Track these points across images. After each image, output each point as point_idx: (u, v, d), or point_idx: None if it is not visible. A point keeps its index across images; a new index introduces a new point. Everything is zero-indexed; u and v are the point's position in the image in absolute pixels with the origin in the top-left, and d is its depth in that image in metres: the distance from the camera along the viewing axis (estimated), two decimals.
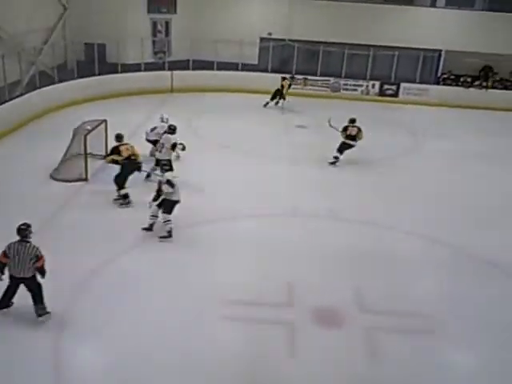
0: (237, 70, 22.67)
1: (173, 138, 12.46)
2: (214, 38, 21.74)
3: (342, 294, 8.61)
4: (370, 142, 16.69)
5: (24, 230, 7.20)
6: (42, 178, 12.22)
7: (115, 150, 11.19)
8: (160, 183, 9.96)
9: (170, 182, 9.80)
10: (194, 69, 22.21)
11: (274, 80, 22.16)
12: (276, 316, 8.09)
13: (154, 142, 12.96)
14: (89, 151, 12.46)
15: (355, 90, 23.21)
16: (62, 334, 7.31)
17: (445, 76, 23.51)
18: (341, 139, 14.52)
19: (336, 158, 14.61)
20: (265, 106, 20.48)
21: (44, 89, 17.67)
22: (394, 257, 9.93)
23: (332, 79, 23.05)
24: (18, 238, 7.20)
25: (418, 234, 10.82)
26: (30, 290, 7.37)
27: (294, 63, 23.17)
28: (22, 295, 7.40)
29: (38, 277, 7.31)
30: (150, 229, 10.07)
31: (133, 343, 7.28)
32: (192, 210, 11.10)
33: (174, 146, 12.33)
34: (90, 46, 20.34)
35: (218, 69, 22.30)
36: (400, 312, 8.34)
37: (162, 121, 13.50)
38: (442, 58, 23.72)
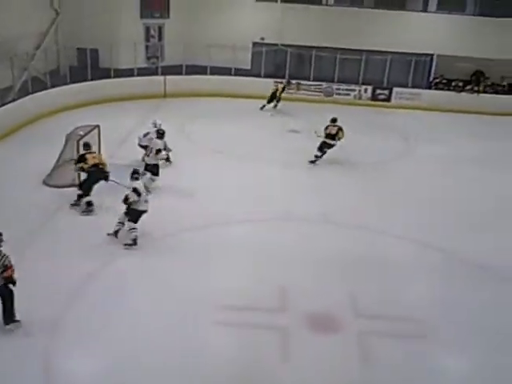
0: (230, 74, 22.69)
1: (160, 143, 12.55)
2: (207, 43, 21.75)
3: (336, 299, 8.64)
4: (362, 147, 16.84)
5: None
6: (35, 183, 12.19)
7: (81, 158, 11.20)
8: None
9: (136, 191, 9.72)
10: (187, 74, 22.20)
11: (266, 85, 22.29)
12: (270, 321, 8.10)
13: (147, 148, 12.98)
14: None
15: (348, 94, 23.29)
16: (54, 338, 7.30)
17: (437, 80, 23.64)
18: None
19: (316, 156, 14.93)
20: (261, 108, 20.70)
21: (36, 94, 17.61)
22: (387, 261, 9.97)
23: (325, 84, 23.12)
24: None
25: (410, 238, 10.86)
26: (1, 296, 7.26)
27: (286, 68, 23.24)
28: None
29: (10, 285, 7.18)
30: (114, 235, 9.99)
31: (127, 348, 7.29)
32: (186, 215, 11.16)
33: (157, 152, 12.38)
34: (83, 51, 20.30)
35: (211, 74, 22.32)
36: (393, 317, 8.37)
37: (155, 126, 13.51)
38: (433, 63, 23.84)
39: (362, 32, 22.91)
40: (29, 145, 14.80)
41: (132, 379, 6.79)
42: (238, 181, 13.35)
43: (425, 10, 23.68)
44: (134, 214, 9.83)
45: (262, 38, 23.75)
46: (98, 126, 13.55)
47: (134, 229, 9.80)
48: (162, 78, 21.86)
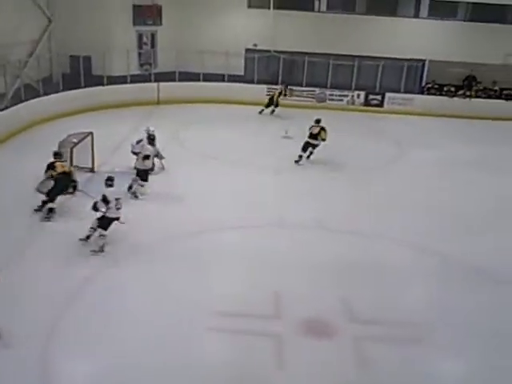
0: (223, 81, 22.73)
1: (151, 149, 12.67)
2: (199, 50, 21.81)
3: (331, 304, 8.62)
4: (356, 152, 16.92)
5: None
6: (28, 191, 12.13)
7: (51, 166, 11.22)
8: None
9: (105, 199, 9.76)
10: (180, 80, 22.22)
11: (259, 91, 22.42)
12: (264, 327, 8.08)
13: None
14: (75, 164, 12.43)
15: (341, 100, 23.35)
16: (51, 344, 7.26)
17: (429, 85, 23.74)
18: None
19: (300, 156, 15.39)
20: (260, 112, 21.11)
21: (29, 102, 17.58)
22: (383, 266, 9.98)
23: (318, 90, 23.18)
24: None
25: (406, 242, 10.89)
26: None
27: (279, 74, 23.30)
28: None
29: None
30: (86, 239, 10.00)
31: (123, 353, 7.26)
32: (179, 222, 11.16)
33: (144, 158, 12.42)
34: (76, 59, 20.29)
35: (205, 80, 22.35)
36: (389, 321, 8.37)
37: (148, 133, 13.52)
38: (425, 68, 23.96)
39: (355, 38, 23.02)
40: (22, 152, 14.75)
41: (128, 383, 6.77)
42: (232, 187, 13.34)
43: (416, 15, 23.80)
44: (104, 221, 9.85)
45: (255, 45, 23.81)
46: (91, 133, 13.56)
47: (103, 236, 9.82)
48: (155, 84, 21.87)
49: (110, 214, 9.83)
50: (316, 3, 23.93)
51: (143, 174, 12.45)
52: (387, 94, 23.31)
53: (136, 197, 12.36)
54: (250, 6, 23.82)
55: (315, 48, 23.06)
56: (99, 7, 21.60)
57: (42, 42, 20.85)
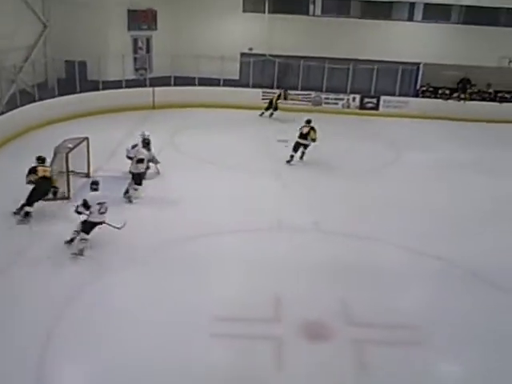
0: (218, 85, 22.75)
1: (145, 153, 12.69)
2: (195, 54, 21.83)
3: (330, 307, 8.62)
4: (352, 155, 16.96)
5: None
6: (24, 196, 12.07)
7: (32, 170, 11.26)
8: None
9: (85, 204, 9.78)
10: (175, 85, 22.23)
11: (255, 95, 22.47)
12: (264, 330, 8.07)
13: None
14: (71, 169, 12.42)
15: (336, 103, 23.41)
16: (47, 350, 7.24)
17: (423, 88, 23.83)
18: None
19: (291, 156, 15.65)
20: (260, 115, 21.42)
21: (25, 107, 17.55)
22: (381, 268, 9.98)
23: (313, 93, 23.23)
24: None
25: (403, 244, 10.89)
26: None
27: (274, 78, 23.35)
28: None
29: None
30: (69, 242, 9.98)
31: (120, 357, 7.24)
32: (176, 226, 11.15)
33: (138, 161, 12.45)
34: (71, 64, 20.28)
35: (200, 84, 22.36)
36: (387, 323, 8.37)
37: (143, 137, 13.53)
38: (420, 71, 24.06)
39: (349, 41, 23.11)
40: (17, 158, 14.68)
41: None
42: (229, 191, 13.33)
43: (410, 19, 23.90)
44: (87, 225, 9.84)
45: (250, 49, 23.88)
46: (86, 139, 13.55)
47: (84, 240, 9.79)
48: (150, 89, 21.88)
49: (93, 219, 9.82)
50: (311, 7, 24.03)
51: (137, 178, 12.47)
52: (382, 97, 23.38)
53: (130, 201, 12.36)
54: (244, 11, 23.90)
55: (310, 52, 23.12)
56: (94, 12, 21.63)
57: (37, 47, 20.86)
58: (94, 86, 20.38)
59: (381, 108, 23.40)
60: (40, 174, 11.18)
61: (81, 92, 19.92)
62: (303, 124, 15.78)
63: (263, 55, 23.68)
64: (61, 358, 7.24)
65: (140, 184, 12.55)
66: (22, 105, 17.56)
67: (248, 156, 16.41)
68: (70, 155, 12.40)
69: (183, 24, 23.61)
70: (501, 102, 23.19)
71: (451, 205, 13.31)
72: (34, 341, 7.40)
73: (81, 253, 9.73)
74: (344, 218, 12.15)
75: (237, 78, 24.11)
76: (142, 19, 23.12)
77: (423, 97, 23.68)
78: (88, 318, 8.07)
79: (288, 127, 19.24)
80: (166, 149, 14.55)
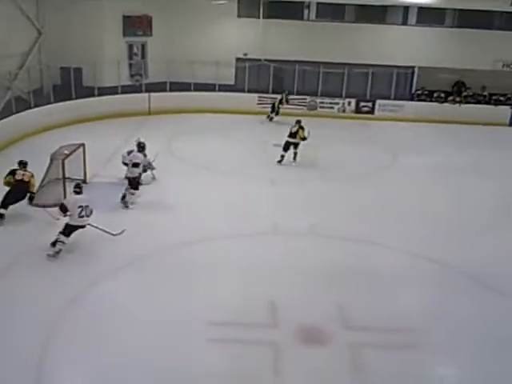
0: (214, 90, 22.78)
1: (141, 157, 12.68)
2: (190, 60, 21.86)
3: (326, 311, 8.62)
4: (348, 159, 17.00)
5: None
6: (21, 203, 12.06)
7: (11, 172, 11.35)
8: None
9: (61, 207, 9.89)
10: (171, 90, 22.26)
11: (251, 99, 22.53)
12: (260, 335, 8.06)
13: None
14: (67, 176, 12.42)
15: (332, 107, 23.46)
16: (44, 361, 7.22)
17: (419, 92, 23.92)
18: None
19: (282, 156, 16.09)
20: (267, 118, 21.56)
21: (20, 114, 17.53)
22: (377, 272, 9.98)
23: (308, 98, 23.28)
24: None
25: (400, 248, 10.90)
26: None
27: (270, 82, 23.40)
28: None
29: None
30: (53, 244, 9.98)
31: (115, 363, 7.21)
32: (171, 232, 11.14)
33: (134, 165, 12.48)
34: (66, 70, 20.31)
35: (195, 90, 22.38)
36: (384, 327, 8.37)
37: (138, 141, 13.53)
38: (415, 75, 24.15)
39: (344, 46, 23.16)
40: (13, 165, 14.65)
41: None
42: (224, 196, 13.34)
43: (405, 23, 24.00)
44: (66, 228, 9.88)
45: (245, 54, 23.93)
46: (83, 145, 13.56)
47: (61, 241, 9.81)
48: (146, 95, 21.90)
49: (72, 222, 9.86)
50: (305, 12, 24.12)
51: (133, 182, 12.48)
52: (378, 101, 23.44)
53: (127, 207, 12.37)
54: (239, 16, 23.95)
55: (305, 56, 23.16)
56: (89, 19, 21.67)
57: (32, 54, 20.83)
58: (90, 92, 20.40)
59: (376, 112, 23.44)
60: (17, 177, 11.25)
61: (76, 98, 19.93)
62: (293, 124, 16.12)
63: (258, 60, 23.72)
64: (58, 368, 7.23)
65: (136, 189, 12.57)
66: (18, 111, 17.55)
67: (244, 161, 16.44)
68: (66, 162, 12.41)
69: (178, 30, 23.65)
70: (496, 104, 23.28)
71: (448, 208, 13.34)
72: (33, 345, 7.39)
73: (55, 255, 9.76)
74: (340, 221, 12.16)
75: (232, 83, 24.15)
76: (137, 25, 23.15)
77: (418, 100, 23.75)
78: (82, 323, 8.04)
79: (284, 132, 19.26)
80: (161, 154, 14.54)
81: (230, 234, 11.21)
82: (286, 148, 16.10)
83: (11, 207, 11.27)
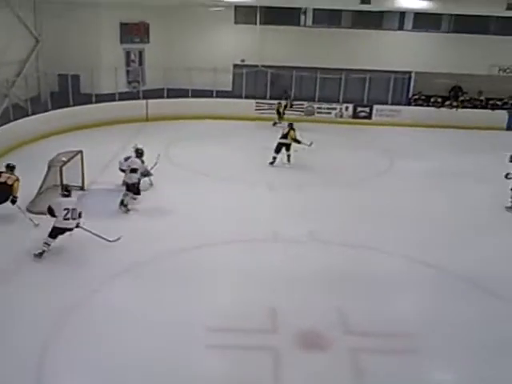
0: (211, 97, 22.83)
1: (139, 163, 12.68)
2: (187, 66, 21.92)
3: (325, 317, 8.60)
4: (346, 164, 17.03)
5: None
6: (19, 210, 12.06)
7: None
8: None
9: (48, 209, 10.02)
10: (168, 97, 22.31)
11: (248, 105, 22.56)
12: (259, 341, 8.04)
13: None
14: (65, 183, 12.40)
15: (329, 113, 23.51)
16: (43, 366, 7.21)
17: (416, 97, 24.00)
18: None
19: (274, 158, 16.42)
20: (274, 125, 21.50)
21: (18, 121, 17.53)
22: (376, 277, 9.97)
23: (306, 103, 23.33)
24: None
25: (398, 253, 10.89)
26: None
27: (267, 88, 23.46)
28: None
29: None
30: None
31: (113, 370, 7.19)
32: (171, 238, 11.12)
33: (131, 171, 12.48)
34: (64, 77, 20.34)
35: (193, 96, 22.43)
36: (384, 332, 8.35)
37: (136, 147, 13.53)
38: (412, 80, 24.23)
39: (341, 51, 23.26)
40: None
41: None
42: (223, 202, 13.33)
43: (401, 28, 24.11)
44: (53, 230, 9.98)
45: (243, 60, 24.01)
46: (80, 152, 13.56)
47: (46, 243, 9.92)
48: (143, 101, 21.94)
49: (58, 224, 9.95)
50: (302, 18, 24.22)
51: (133, 188, 12.49)
52: (375, 106, 23.51)
53: (127, 211, 12.38)
54: (236, 22, 24.05)
55: (302, 62, 23.27)
56: (87, 26, 21.76)
57: (29, 62, 20.87)
58: (87, 99, 20.41)
59: (374, 117, 23.51)
60: (1, 179, 11.33)
61: (74, 105, 19.95)
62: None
63: (256, 66, 23.79)
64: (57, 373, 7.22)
65: (138, 193, 12.61)
66: (16, 119, 17.55)
67: (242, 167, 16.45)
68: (63, 169, 12.40)
69: (175, 36, 23.74)
70: (493, 109, 23.35)
71: (445, 213, 13.36)
72: (32, 347, 7.38)
73: (39, 255, 9.87)
74: (339, 227, 12.16)
75: (230, 89, 24.24)
76: (134, 32, 23.23)
77: (416, 105, 23.86)
78: (82, 328, 8.02)
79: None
80: (160, 161, 14.54)
81: (228, 240, 11.20)
82: (277, 150, 16.40)
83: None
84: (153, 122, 21.42)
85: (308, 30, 24.05)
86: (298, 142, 16.42)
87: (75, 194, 12.87)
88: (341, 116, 23.54)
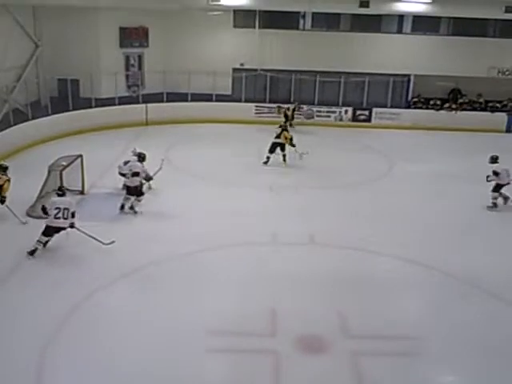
0: (211, 100, 22.85)
1: (140, 167, 12.70)
2: (186, 70, 21.95)
3: (325, 320, 8.61)
4: (346, 167, 17.03)
5: None
6: (19, 215, 12.08)
7: None
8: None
9: (42, 208, 10.37)
10: (168, 101, 22.32)
11: (247, 109, 22.60)
12: (260, 344, 8.04)
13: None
14: (65, 187, 12.40)
15: (328, 116, 23.53)
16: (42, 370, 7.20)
17: (415, 100, 24.02)
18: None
19: (268, 157, 16.80)
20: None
21: (18, 126, 17.56)
22: (376, 280, 9.99)
23: (305, 107, 23.34)
24: None
25: (399, 256, 10.90)
26: None
27: (267, 92, 23.49)
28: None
29: None
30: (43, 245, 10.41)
31: (115, 375, 7.19)
32: (170, 242, 11.14)
33: (134, 175, 12.52)
34: (64, 82, 20.40)
35: (192, 100, 22.46)
36: (384, 335, 8.35)
37: (135, 154, 13.54)
38: (411, 83, 24.25)
39: (340, 55, 23.29)
40: (12, 177, 14.63)
41: None
42: (223, 206, 13.32)
43: (400, 31, 24.15)
44: (45, 228, 10.19)
45: (242, 64, 24.02)
46: (80, 156, 13.58)
47: (39, 241, 10.16)
48: (143, 106, 21.95)
49: (49, 223, 10.18)
50: (301, 21, 24.24)
51: (136, 191, 12.53)
52: (374, 109, 23.51)
53: (136, 212, 12.50)
54: (235, 26, 24.05)
55: (301, 65, 23.31)
56: (86, 31, 21.80)
57: (29, 67, 20.89)
58: (87, 104, 20.45)
59: (373, 120, 23.51)
60: None
61: (74, 110, 19.96)
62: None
63: (255, 70, 23.81)
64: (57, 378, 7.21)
65: (142, 194, 12.71)
66: (16, 124, 17.59)
67: (241, 170, 16.46)
68: (64, 173, 12.42)
69: (175, 41, 23.76)
70: (492, 111, 23.37)
71: (445, 215, 13.36)
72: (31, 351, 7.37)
73: (31, 253, 10.10)
74: (338, 229, 12.17)
75: (229, 93, 24.25)
76: (133, 36, 23.23)
77: (415, 108, 23.85)
78: (80, 333, 8.03)
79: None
80: (159, 164, 14.54)
81: (228, 244, 11.21)
82: (271, 150, 16.78)
83: None
84: (152, 126, 21.44)
85: (307, 33, 24.07)
86: (293, 145, 16.72)
87: (74, 197, 12.94)
88: (340, 119, 23.55)
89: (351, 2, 20.48)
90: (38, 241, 10.14)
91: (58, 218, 10.07)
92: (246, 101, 23.34)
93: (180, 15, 23.20)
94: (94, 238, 10.25)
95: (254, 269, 10.18)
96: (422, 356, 7.86)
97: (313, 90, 23.50)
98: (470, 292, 9.73)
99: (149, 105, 21.96)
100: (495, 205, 13.77)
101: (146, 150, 13.43)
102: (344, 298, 9.28)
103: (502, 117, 23.26)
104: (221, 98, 23.00)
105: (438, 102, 23.66)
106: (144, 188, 13.65)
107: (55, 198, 10.44)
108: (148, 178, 13.63)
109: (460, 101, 23.70)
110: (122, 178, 13.42)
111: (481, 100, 23.64)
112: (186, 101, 22.41)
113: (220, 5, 21.33)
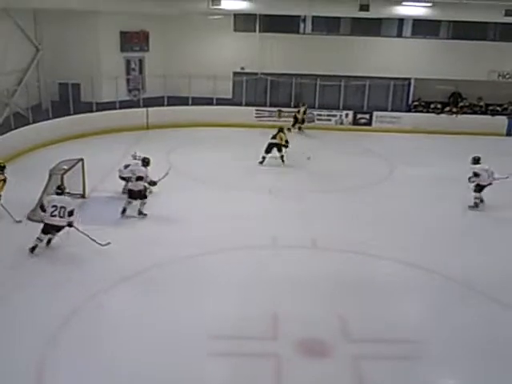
0: (211, 104, 22.88)
1: (144, 170, 12.72)
2: (187, 74, 21.99)
3: (326, 324, 8.61)
4: (346, 171, 17.03)
5: None
6: (20, 218, 12.09)
7: None
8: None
9: (41, 207, 10.71)
10: (168, 105, 22.36)
11: (248, 113, 22.61)
12: (261, 348, 8.04)
13: (129, 178, 13.05)
14: (66, 190, 12.42)
15: (329, 120, 23.54)
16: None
17: (416, 103, 24.04)
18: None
19: (263, 158, 17.15)
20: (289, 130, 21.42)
21: (19, 130, 17.58)
22: (377, 284, 9.98)
23: None
24: None
25: (400, 259, 10.89)
26: None
27: (267, 96, 23.52)
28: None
29: None
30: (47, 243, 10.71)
31: (118, 377, 7.20)
32: (171, 246, 11.13)
33: (137, 179, 12.54)
34: (64, 86, 20.45)
35: (193, 104, 22.49)
36: (385, 339, 8.35)
37: (135, 158, 13.58)
38: (411, 86, 24.28)
39: (340, 58, 23.30)
40: (12, 180, 14.56)
41: None
42: (223, 210, 13.33)
43: (400, 35, 24.19)
44: (43, 226, 10.43)
45: (242, 68, 24.05)
46: (81, 160, 13.60)
47: (38, 238, 10.41)
48: (143, 109, 21.97)
49: (45, 220, 10.38)
50: (301, 25, 24.29)
51: (139, 195, 12.55)
52: (375, 113, 23.53)
53: (144, 214, 12.60)
54: (236, 30, 24.08)
55: (302, 69, 23.34)
56: (87, 34, 21.83)
57: (30, 71, 20.93)
58: (88, 108, 20.48)
59: (374, 123, 23.52)
60: None
61: (75, 114, 19.97)
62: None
63: (255, 74, 23.85)
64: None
65: (146, 197, 12.79)
66: (17, 127, 17.60)
67: (242, 174, 16.47)
68: (65, 177, 12.44)
69: (175, 45, 23.81)
70: (492, 114, 23.39)
71: (447, 219, 13.37)
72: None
73: (32, 250, 10.30)
74: (339, 233, 12.17)
75: (230, 96, 24.28)
76: (134, 41, 23.28)
77: (415, 111, 23.87)
78: (82, 335, 8.04)
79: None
80: (160, 168, 14.51)
81: (228, 247, 11.21)
82: (267, 150, 17.09)
83: None
84: (153, 130, 21.46)
85: (307, 37, 24.11)
86: (286, 146, 17.11)
87: (75, 201, 12.96)
88: (341, 123, 23.56)
89: (351, 5, 20.48)
90: (37, 238, 10.36)
91: (54, 215, 10.24)
92: (247, 104, 23.37)
93: (180, 19, 23.27)
94: (91, 239, 10.30)
95: (255, 272, 10.18)
96: (422, 359, 7.87)
97: (313, 93, 23.53)
98: (471, 295, 9.74)
99: (149, 109, 21.99)
100: (476, 205, 13.99)
101: (146, 154, 13.45)
102: (345, 302, 9.29)
103: (502, 120, 23.27)
104: (221, 102, 23.04)
105: (439, 106, 23.68)
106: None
107: (53, 196, 10.64)
108: (152, 183, 13.62)
109: (460, 104, 23.71)
110: (123, 182, 13.43)
111: (481, 103, 23.65)
112: (187, 105, 22.46)
113: (220, 9, 21.36)
